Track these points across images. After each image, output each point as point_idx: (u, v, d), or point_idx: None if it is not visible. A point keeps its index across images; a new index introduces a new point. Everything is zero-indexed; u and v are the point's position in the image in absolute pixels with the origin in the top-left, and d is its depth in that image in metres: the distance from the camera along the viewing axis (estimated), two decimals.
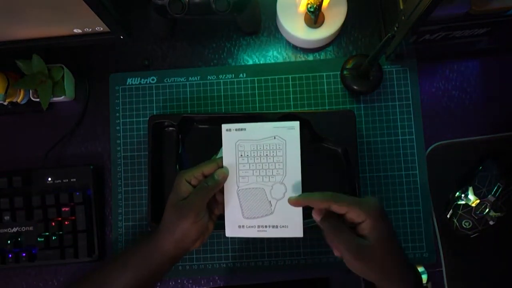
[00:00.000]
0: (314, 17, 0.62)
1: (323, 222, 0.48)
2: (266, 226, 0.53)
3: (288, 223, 0.53)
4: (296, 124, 0.53)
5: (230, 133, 0.54)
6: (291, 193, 0.52)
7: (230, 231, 0.54)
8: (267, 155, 0.53)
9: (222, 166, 0.53)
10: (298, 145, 0.53)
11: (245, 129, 0.53)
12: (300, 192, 0.52)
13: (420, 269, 0.51)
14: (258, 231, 0.53)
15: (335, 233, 0.47)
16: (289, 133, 0.53)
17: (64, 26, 0.57)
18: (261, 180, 0.53)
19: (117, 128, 0.67)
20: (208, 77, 0.68)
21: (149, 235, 0.53)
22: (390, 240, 0.47)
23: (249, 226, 0.53)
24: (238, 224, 0.53)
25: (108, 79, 0.68)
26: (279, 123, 0.53)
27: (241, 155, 0.53)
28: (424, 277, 0.51)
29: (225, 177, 0.52)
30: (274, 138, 0.53)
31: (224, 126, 0.54)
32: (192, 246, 0.52)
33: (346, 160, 0.62)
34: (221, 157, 0.54)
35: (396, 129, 0.65)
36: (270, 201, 0.53)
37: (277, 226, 0.53)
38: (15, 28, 0.56)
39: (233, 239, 0.65)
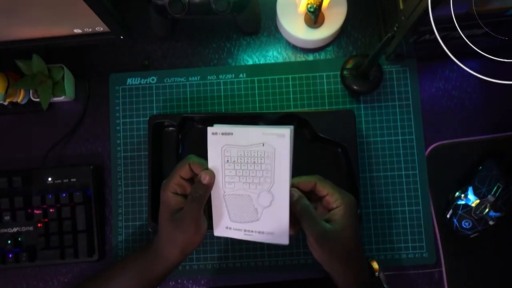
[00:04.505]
0: (314, 17, 0.62)
1: (295, 203, 0.50)
2: (252, 231, 0.52)
3: (275, 231, 0.51)
4: (286, 132, 0.48)
5: (216, 136, 0.49)
6: (278, 202, 0.50)
7: (218, 231, 0.53)
8: (254, 162, 0.49)
9: (194, 162, 0.50)
10: (288, 154, 0.48)
11: (232, 133, 0.49)
12: (287, 201, 0.49)
13: (374, 265, 0.53)
14: (244, 234, 0.52)
15: (305, 214, 0.49)
16: (279, 141, 0.48)
17: (64, 26, 0.57)
18: (247, 187, 0.50)
19: (117, 128, 0.67)
20: (208, 77, 0.68)
21: (150, 247, 0.53)
22: (354, 232, 0.50)
23: (235, 229, 0.52)
24: (225, 225, 0.52)
25: (108, 79, 0.68)
26: (269, 129, 0.49)
27: (227, 160, 0.50)
28: (375, 266, 0.54)
29: (212, 179, 0.50)
30: (263, 145, 0.49)
31: (210, 129, 0.49)
32: (195, 249, 0.53)
33: (346, 160, 0.62)
34: (193, 156, 0.51)
35: (396, 129, 0.65)
36: (256, 209, 0.51)
37: (263, 232, 0.52)
38: (15, 28, 0.56)
39: (232, 239, 0.65)
